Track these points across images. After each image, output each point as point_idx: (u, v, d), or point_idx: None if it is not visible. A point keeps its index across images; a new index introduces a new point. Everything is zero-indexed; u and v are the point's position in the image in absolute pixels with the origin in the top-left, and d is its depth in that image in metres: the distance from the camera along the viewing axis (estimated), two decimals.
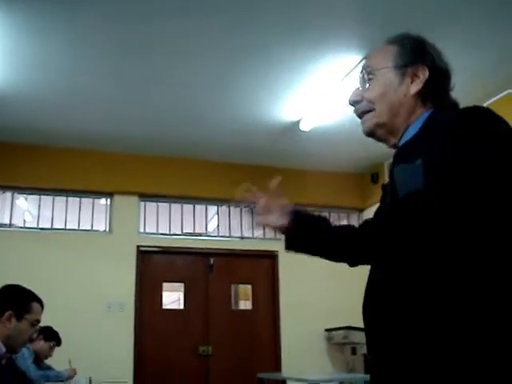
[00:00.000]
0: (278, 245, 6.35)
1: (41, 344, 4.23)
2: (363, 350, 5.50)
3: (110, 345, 5.41)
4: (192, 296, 6.08)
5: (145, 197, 6.10)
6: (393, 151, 1.27)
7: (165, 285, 6.08)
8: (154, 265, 6.01)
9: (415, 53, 1.23)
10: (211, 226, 6.60)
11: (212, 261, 6.17)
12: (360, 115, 1.28)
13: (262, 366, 5.71)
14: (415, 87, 1.21)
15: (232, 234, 6.38)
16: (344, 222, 6.97)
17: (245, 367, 5.76)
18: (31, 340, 3.62)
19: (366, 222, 1.43)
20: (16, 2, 3.42)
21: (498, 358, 0.94)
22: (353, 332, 5.62)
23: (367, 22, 3.69)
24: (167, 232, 6.14)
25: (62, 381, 4.23)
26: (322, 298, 6.13)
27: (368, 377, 1.20)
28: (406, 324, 1.02)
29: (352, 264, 1.45)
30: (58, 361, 4.40)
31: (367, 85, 1.26)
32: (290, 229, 1.41)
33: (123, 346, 5.52)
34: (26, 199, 5.94)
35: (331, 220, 1.49)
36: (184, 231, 6.21)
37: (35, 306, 2.34)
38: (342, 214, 6.98)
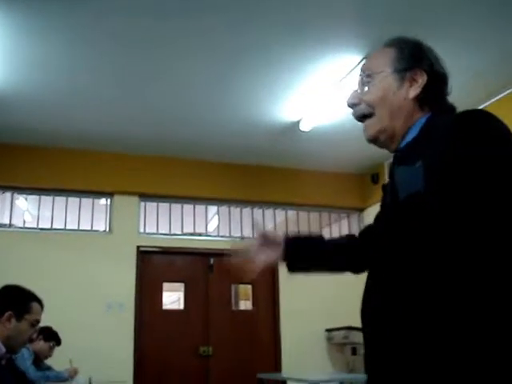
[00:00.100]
0: None
1: (40, 344, 4.23)
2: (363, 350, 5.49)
3: (109, 345, 5.40)
4: (192, 296, 6.07)
5: (145, 197, 6.10)
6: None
7: (165, 285, 6.08)
8: (154, 265, 6.01)
9: (413, 57, 1.23)
10: (211, 226, 6.60)
11: (212, 261, 6.16)
12: (359, 118, 1.29)
13: (263, 366, 5.71)
14: (414, 91, 1.21)
15: (232, 234, 6.38)
16: (344, 222, 6.98)
17: (245, 367, 5.76)
18: (31, 340, 3.62)
19: (368, 227, 1.43)
20: (16, 2, 3.42)
21: (499, 363, 0.94)
22: (353, 332, 5.62)
23: (367, 22, 3.69)
24: (167, 232, 6.14)
25: (62, 381, 4.23)
26: (322, 298, 6.12)
27: None
28: (405, 326, 1.02)
29: (356, 271, 1.46)
30: (58, 361, 4.40)
31: (366, 88, 1.26)
32: (287, 254, 1.45)
33: (123, 347, 5.51)
34: (25, 199, 5.94)
35: (327, 235, 1.53)
36: (184, 231, 6.20)
37: (35, 306, 2.34)
38: (343, 215, 6.98)
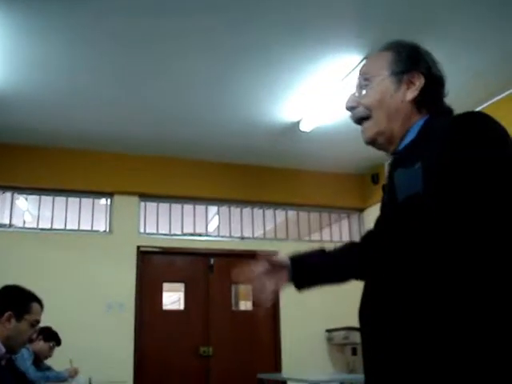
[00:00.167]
0: (278, 245, 6.36)
1: (40, 344, 4.23)
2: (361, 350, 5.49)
3: (110, 345, 5.40)
4: (192, 296, 6.07)
5: (145, 197, 6.10)
6: None
7: (165, 285, 6.07)
8: (154, 265, 6.01)
9: (411, 60, 1.24)
10: (211, 226, 6.60)
11: (212, 261, 6.16)
12: (357, 121, 1.29)
13: (263, 366, 5.71)
14: (411, 94, 1.22)
15: (232, 234, 6.38)
16: (344, 223, 6.98)
17: (245, 368, 5.76)
18: (31, 340, 3.62)
19: (369, 232, 1.44)
20: (16, 2, 3.41)
21: (497, 364, 0.94)
22: (353, 332, 5.62)
23: (367, 22, 3.69)
24: (167, 232, 6.14)
25: (62, 381, 4.23)
26: (322, 298, 6.10)
27: None
28: (403, 326, 1.02)
29: (361, 278, 1.46)
30: (58, 361, 4.40)
31: (363, 91, 1.27)
32: (294, 274, 1.44)
33: (123, 347, 5.51)
34: (25, 199, 5.94)
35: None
36: (184, 231, 6.20)
37: (35, 306, 2.33)
38: (343, 215, 6.98)
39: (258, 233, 6.56)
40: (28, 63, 4.15)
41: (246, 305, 6.58)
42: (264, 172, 6.42)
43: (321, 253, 1.47)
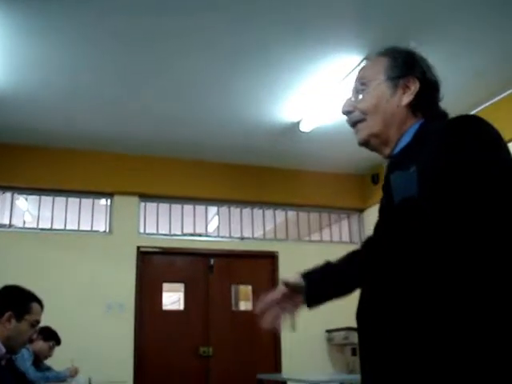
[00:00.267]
0: (278, 245, 6.37)
1: (40, 344, 4.23)
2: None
3: (110, 345, 5.40)
4: (192, 297, 6.07)
5: (145, 197, 6.10)
6: None
7: (165, 285, 6.07)
8: (154, 265, 6.00)
9: (406, 65, 1.26)
10: (211, 226, 6.60)
11: (212, 261, 6.16)
12: (353, 125, 1.31)
13: (263, 366, 5.71)
14: (407, 98, 1.24)
15: (232, 234, 6.38)
16: (344, 223, 6.97)
17: (245, 368, 5.76)
18: (31, 341, 3.62)
19: (369, 238, 1.44)
20: (16, 2, 3.41)
21: (496, 367, 0.94)
22: (353, 333, 5.61)
23: (367, 22, 3.68)
24: (167, 232, 6.14)
25: (62, 381, 4.23)
26: None
27: None
28: (400, 328, 1.03)
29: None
30: (58, 361, 4.40)
31: (360, 96, 1.29)
32: (307, 293, 1.46)
33: (123, 347, 5.51)
34: (25, 199, 5.94)
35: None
36: (184, 232, 6.20)
37: (35, 306, 2.33)
38: (343, 215, 6.98)
39: (258, 233, 6.56)
40: (28, 63, 4.15)
41: (245, 305, 6.58)
42: (264, 172, 6.41)
43: (327, 267, 1.45)
